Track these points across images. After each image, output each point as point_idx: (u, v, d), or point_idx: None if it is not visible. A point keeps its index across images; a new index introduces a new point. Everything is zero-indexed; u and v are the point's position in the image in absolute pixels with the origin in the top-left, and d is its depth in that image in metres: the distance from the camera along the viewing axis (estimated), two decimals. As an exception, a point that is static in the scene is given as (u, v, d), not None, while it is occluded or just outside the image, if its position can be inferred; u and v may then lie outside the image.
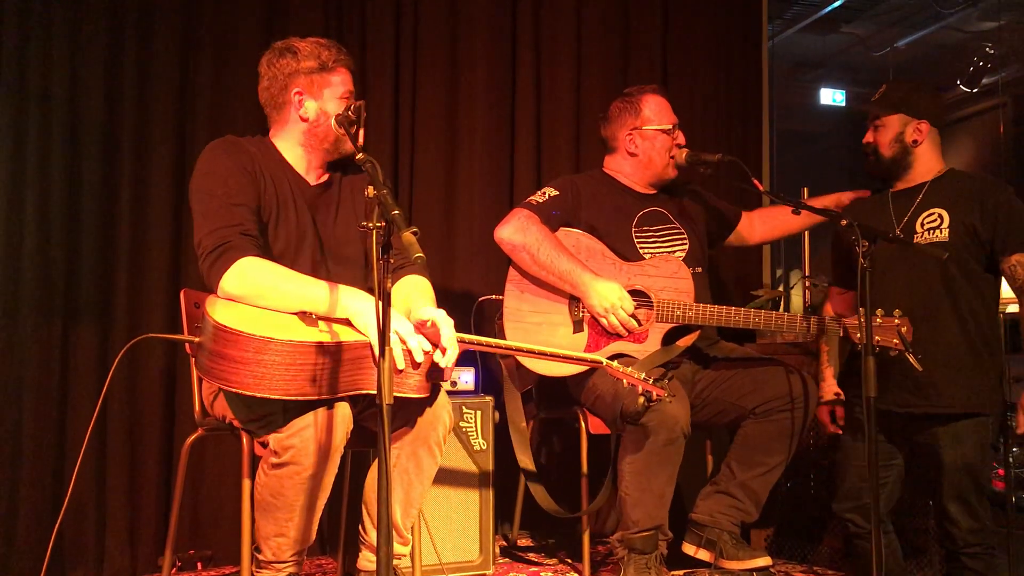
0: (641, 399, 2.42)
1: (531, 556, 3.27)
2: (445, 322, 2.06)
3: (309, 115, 2.28)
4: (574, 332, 2.83)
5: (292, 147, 2.33)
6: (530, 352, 2.34)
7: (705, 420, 2.90)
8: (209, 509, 3.17)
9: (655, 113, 2.99)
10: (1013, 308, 3.30)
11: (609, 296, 2.74)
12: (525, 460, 2.92)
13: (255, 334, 1.86)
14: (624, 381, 2.37)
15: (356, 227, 2.37)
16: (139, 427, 3.10)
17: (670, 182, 3.06)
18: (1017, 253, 2.57)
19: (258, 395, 1.88)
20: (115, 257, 3.10)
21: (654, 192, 3.05)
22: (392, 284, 2.32)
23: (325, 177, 2.38)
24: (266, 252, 2.14)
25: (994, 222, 2.58)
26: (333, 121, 2.26)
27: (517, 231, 2.83)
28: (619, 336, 2.79)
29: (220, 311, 1.95)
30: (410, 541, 2.32)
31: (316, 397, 1.92)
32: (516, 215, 2.87)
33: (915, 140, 2.73)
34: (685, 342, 2.82)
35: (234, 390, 1.91)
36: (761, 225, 3.23)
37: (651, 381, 2.37)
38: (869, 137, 2.79)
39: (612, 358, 2.78)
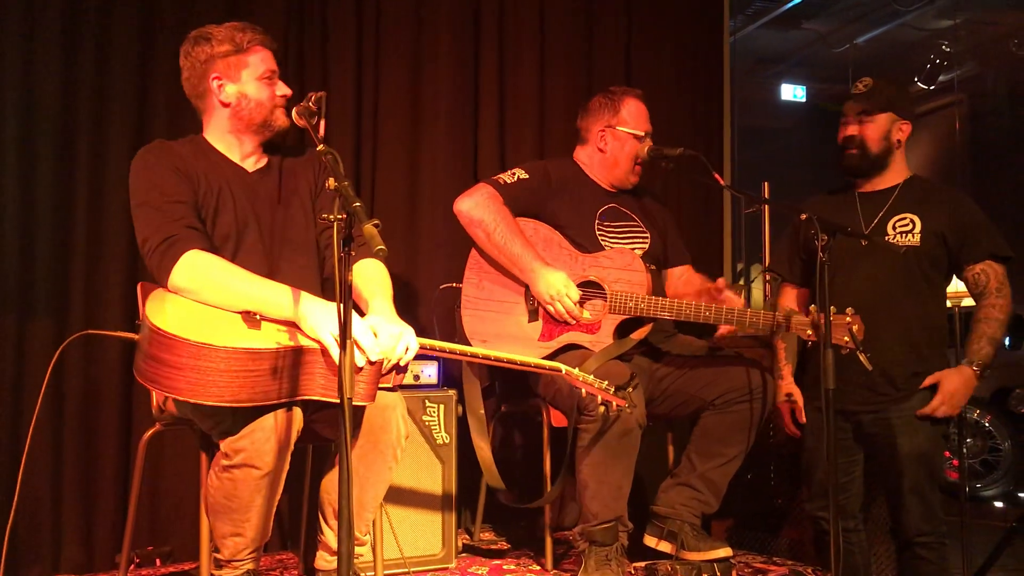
0: (601, 408, 2.40)
1: (493, 549, 3.27)
2: (387, 333, 2.03)
3: (230, 99, 2.27)
4: (529, 321, 2.85)
5: (222, 136, 2.31)
6: (486, 359, 2.30)
7: (666, 412, 2.92)
8: (168, 505, 3.12)
9: (632, 116, 3.00)
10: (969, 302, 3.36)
11: (555, 284, 2.76)
12: (482, 446, 2.92)
13: (192, 340, 1.83)
14: (583, 390, 2.36)
15: (301, 208, 2.36)
16: (95, 421, 3.04)
17: (630, 189, 3.08)
18: (981, 262, 2.65)
19: (191, 401, 1.86)
20: (71, 250, 3.04)
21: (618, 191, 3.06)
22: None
23: (264, 162, 2.36)
24: (210, 245, 2.12)
25: (963, 231, 2.66)
26: (263, 101, 2.27)
27: (476, 206, 2.83)
28: (572, 325, 2.80)
29: (159, 314, 1.91)
30: (365, 542, 2.33)
31: (251, 404, 1.89)
32: (479, 190, 2.87)
33: (899, 140, 2.75)
34: (638, 335, 2.84)
35: (169, 395, 1.89)
36: (675, 288, 3.14)
37: (612, 391, 2.36)
38: (853, 130, 2.75)
39: (566, 348, 2.81)
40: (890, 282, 2.68)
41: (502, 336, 2.84)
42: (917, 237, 2.66)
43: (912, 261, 2.66)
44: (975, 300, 2.68)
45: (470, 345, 2.83)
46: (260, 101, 2.29)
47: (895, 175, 2.78)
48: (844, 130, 2.78)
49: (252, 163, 2.34)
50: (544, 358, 2.80)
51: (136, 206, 2.15)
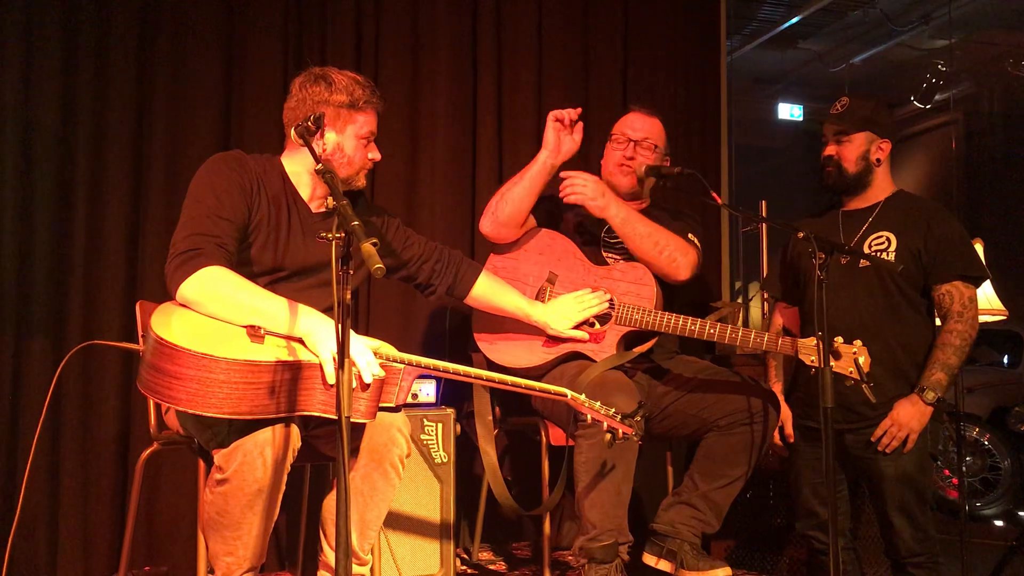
0: (608, 436, 2.38)
1: (492, 569, 3.26)
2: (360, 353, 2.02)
3: (327, 147, 2.29)
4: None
5: (301, 172, 2.33)
6: (490, 381, 2.29)
7: (665, 431, 2.91)
8: (165, 524, 3.11)
9: (616, 127, 3.03)
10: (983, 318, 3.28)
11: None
12: (489, 451, 2.89)
13: (195, 350, 1.83)
14: (589, 417, 2.35)
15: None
16: (93, 440, 3.04)
17: (630, 196, 3.07)
18: (947, 283, 2.62)
19: (190, 412, 1.86)
20: (69, 268, 3.05)
21: (638, 206, 3.07)
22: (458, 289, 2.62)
23: (326, 208, 2.36)
24: (240, 269, 2.12)
25: (936, 249, 2.62)
26: (354, 160, 2.31)
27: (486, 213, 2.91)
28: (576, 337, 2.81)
29: (164, 326, 1.91)
30: (368, 562, 2.30)
31: (251, 416, 1.89)
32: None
33: (878, 159, 2.72)
34: (641, 348, 2.84)
35: (170, 405, 1.89)
36: None
37: (619, 418, 2.34)
38: (831, 150, 2.75)
39: (568, 357, 2.80)
40: (870, 303, 2.66)
41: (508, 338, 2.86)
42: (892, 255, 2.64)
43: (888, 281, 2.64)
44: (941, 322, 2.64)
45: (481, 353, 2.87)
46: (351, 159, 2.33)
47: (878, 192, 2.76)
48: (823, 150, 2.79)
49: (317, 205, 2.36)
50: (547, 364, 2.82)
51: (186, 205, 2.16)
